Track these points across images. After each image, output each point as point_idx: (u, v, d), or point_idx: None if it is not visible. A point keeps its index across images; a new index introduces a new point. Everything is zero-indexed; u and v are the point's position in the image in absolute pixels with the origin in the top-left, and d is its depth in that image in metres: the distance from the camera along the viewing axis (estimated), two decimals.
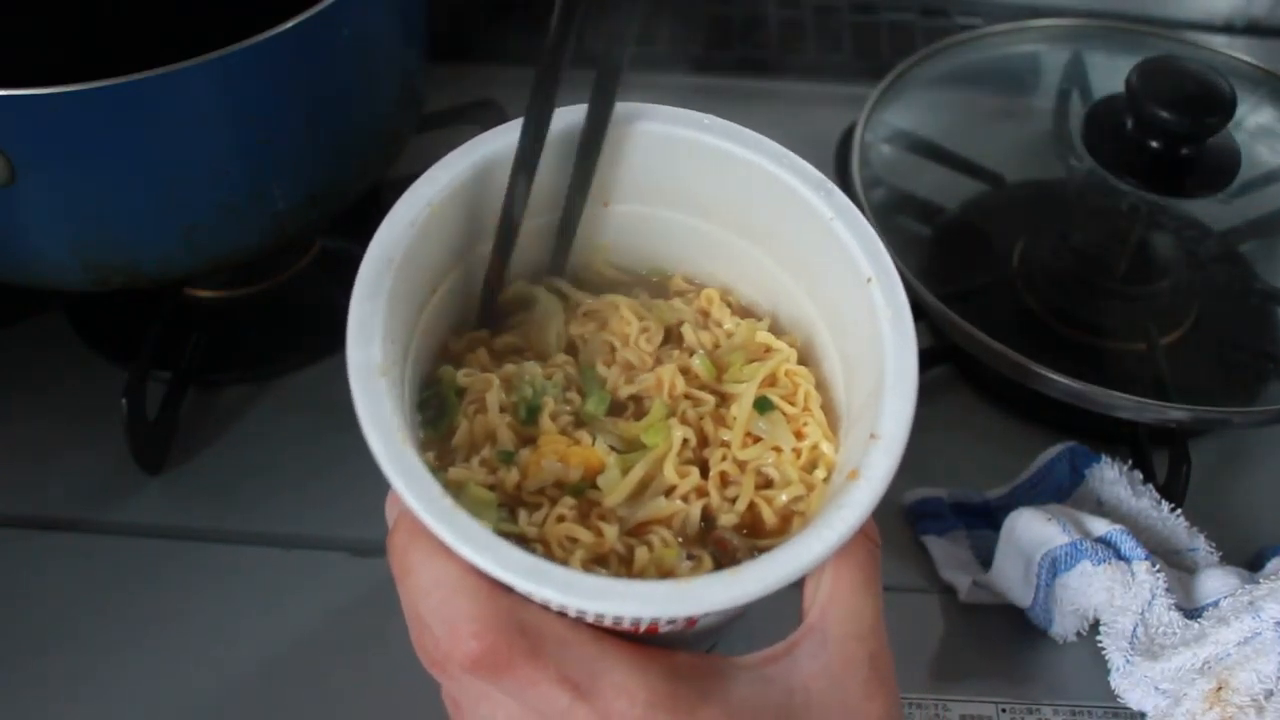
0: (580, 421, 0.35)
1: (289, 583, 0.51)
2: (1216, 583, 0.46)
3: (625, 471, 0.34)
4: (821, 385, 0.37)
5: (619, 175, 0.38)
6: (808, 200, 0.35)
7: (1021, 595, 0.48)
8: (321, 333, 0.59)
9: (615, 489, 0.33)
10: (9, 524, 0.53)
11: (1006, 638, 0.50)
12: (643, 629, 0.31)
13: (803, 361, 0.37)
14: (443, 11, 0.63)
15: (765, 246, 0.38)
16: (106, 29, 0.65)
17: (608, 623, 0.31)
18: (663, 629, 0.32)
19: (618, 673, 0.30)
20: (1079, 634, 0.48)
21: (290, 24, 0.46)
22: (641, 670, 0.30)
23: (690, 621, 0.32)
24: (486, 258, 0.38)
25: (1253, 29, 0.81)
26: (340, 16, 0.48)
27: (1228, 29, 0.81)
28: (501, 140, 0.36)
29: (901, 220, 0.64)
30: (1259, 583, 0.44)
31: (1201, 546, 0.49)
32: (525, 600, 0.31)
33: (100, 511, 0.53)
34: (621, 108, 0.36)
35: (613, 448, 0.35)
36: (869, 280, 0.33)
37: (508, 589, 0.31)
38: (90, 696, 0.47)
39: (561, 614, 0.31)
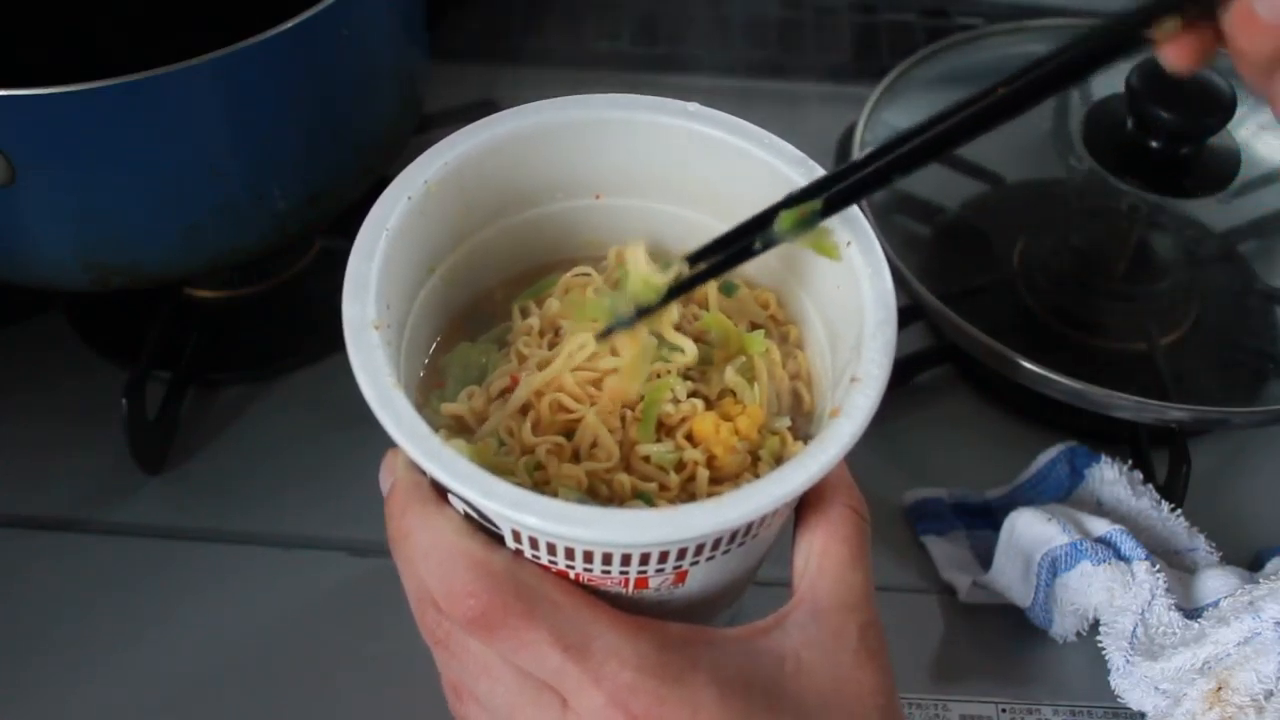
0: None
1: (289, 583, 0.51)
2: (1216, 583, 0.46)
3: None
4: (809, 360, 0.37)
5: (609, 167, 0.38)
6: (788, 177, 0.36)
7: (1021, 595, 0.48)
8: (321, 333, 0.59)
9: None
10: (9, 524, 0.53)
11: (1006, 638, 0.50)
12: (632, 579, 0.32)
13: (793, 342, 0.38)
14: (443, 11, 0.63)
15: (789, 264, 0.38)
16: (106, 29, 0.65)
17: (597, 574, 0.31)
18: (652, 580, 0.32)
19: (610, 637, 0.30)
20: (1079, 634, 0.48)
21: (290, 24, 0.46)
22: (633, 636, 0.30)
23: (679, 575, 0.32)
24: (482, 250, 0.38)
25: None
26: (340, 16, 0.48)
27: None
28: (494, 130, 0.36)
29: (901, 220, 0.64)
30: (1259, 583, 0.44)
31: (1201, 546, 0.49)
32: (521, 561, 0.31)
33: (100, 511, 0.53)
34: (606, 99, 0.37)
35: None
36: (848, 244, 0.34)
37: (504, 550, 0.31)
38: (90, 696, 0.47)
39: (557, 576, 0.31)
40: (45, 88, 0.43)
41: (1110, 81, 0.60)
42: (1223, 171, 0.56)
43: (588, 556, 0.31)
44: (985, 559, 0.51)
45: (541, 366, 0.35)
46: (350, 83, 0.52)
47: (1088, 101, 0.66)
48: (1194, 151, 0.56)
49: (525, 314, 0.37)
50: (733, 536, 0.31)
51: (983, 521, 0.54)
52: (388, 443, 0.37)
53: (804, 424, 0.36)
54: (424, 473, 0.33)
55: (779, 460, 0.34)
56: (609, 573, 0.31)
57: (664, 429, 0.34)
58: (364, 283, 0.32)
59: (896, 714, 0.33)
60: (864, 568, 0.33)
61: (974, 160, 0.66)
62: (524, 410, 0.34)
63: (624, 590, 0.32)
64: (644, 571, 0.31)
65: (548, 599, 0.31)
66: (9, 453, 0.56)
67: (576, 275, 0.38)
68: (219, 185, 0.49)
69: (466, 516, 0.32)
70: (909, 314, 0.58)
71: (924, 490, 0.55)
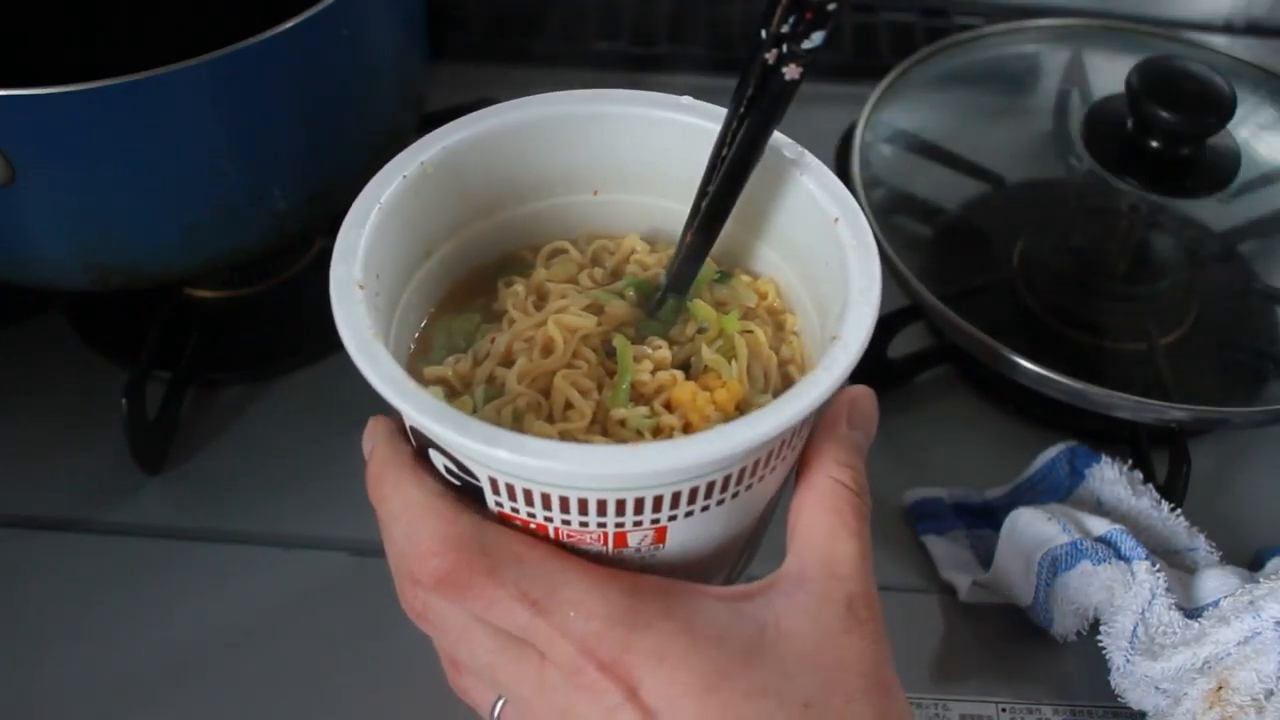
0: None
1: (289, 583, 0.51)
2: (1216, 583, 0.46)
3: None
4: (804, 345, 0.38)
5: (605, 162, 0.39)
6: (781, 166, 0.36)
7: (1022, 595, 0.48)
8: (321, 333, 0.58)
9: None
10: (9, 524, 0.53)
11: (1006, 638, 0.50)
12: (610, 533, 0.32)
13: (789, 329, 0.38)
14: (443, 11, 0.63)
15: (745, 221, 0.39)
16: (106, 29, 0.65)
17: (575, 527, 0.32)
18: (631, 537, 0.32)
19: (576, 588, 0.30)
20: (1079, 633, 0.48)
21: (290, 24, 0.46)
22: (600, 585, 0.31)
23: (659, 534, 0.32)
24: (479, 241, 0.39)
25: (1253, 29, 0.81)
26: (340, 16, 0.48)
27: (1228, 29, 0.81)
28: (492, 120, 0.37)
29: (901, 220, 0.64)
30: (1259, 582, 0.44)
31: (1201, 546, 0.49)
32: (489, 522, 0.32)
33: (100, 511, 0.53)
34: (600, 94, 0.37)
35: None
36: (836, 220, 0.35)
37: (472, 513, 0.32)
38: (90, 696, 0.47)
39: (529, 534, 0.32)
40: (45, 88, 0.43)
41: (1110, 81, 0.60)
42: (1223, 171, 0.56)
43: (564, 504, 0.31)
44: (985, 559, 0.51)
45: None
46: (350, 83, 0.52)
47: (1088, 101, 0.66)
48: (1194, 151, 0.56)
49: (509, 284, 0.38)
50: (709, 489, 0.31)
51: (983, 521, 0.54)
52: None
53: None
54: (404, 440, 0.34)
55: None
56: (586, 525, 0.31)
57: (641, 399, 0.35)
58: (352, 247, 0.33)
59: (885, 681, 0.32)
60: (856, 539, 0.33)
61: (974, 160, 0.66)
62: (508, 363, 0.35)
63: (604, 549, 0.33)
64: (621, 524, 0.31)
65: (512, 555, 0.31)
66: (9, 453, 0.56)
67: (554, 248, 0.39)
68: (219, 185, 0.49)
69: (447, 473, 0.32)
70: (909, 314, 0.58)
71: (924, 490, 0.55)
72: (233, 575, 0.51)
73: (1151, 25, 0.71)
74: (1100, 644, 0.46)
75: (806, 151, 0.36)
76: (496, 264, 0.40)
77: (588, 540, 0.32)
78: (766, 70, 0.31)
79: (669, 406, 0.34)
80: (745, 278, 0.39)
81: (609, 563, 0.33)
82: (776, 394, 0.35)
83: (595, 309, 0.36)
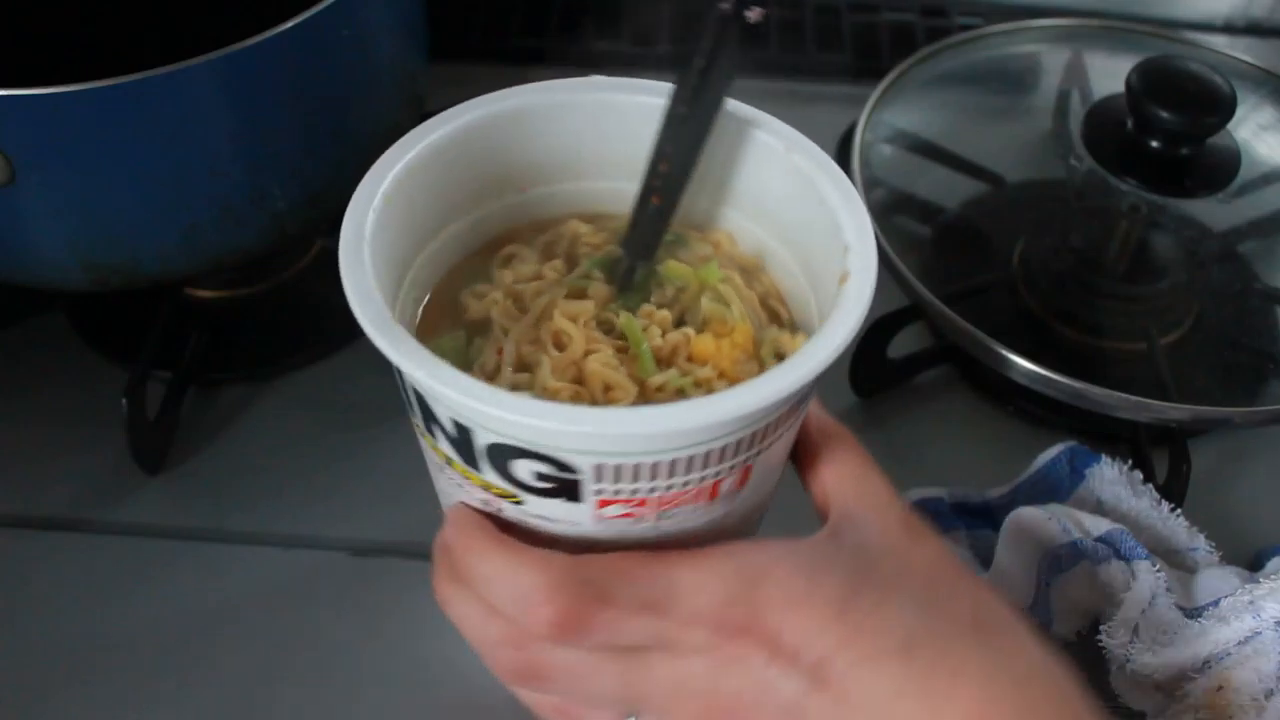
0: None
1: (289, 583, 0.51)
2: (1216, 582, 0.46)
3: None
4: (775, 280, 0.38)
5: (595, 149, 0.39)
6: (766, 143, 0.37)
7: (1022, 595, 0.48)
8: (321, 333, 0.59)
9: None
10: (9, 524, 0.53)
11: None
12: (709, 484, 0.32)
13: (753, 269, 0.39)
14: (443, 11, 0.63)
15: (737, 205, 0.39)
16: (106, 29, 0.65)
17: (676, 490, 0.32)
18: (723, 484, 0.33)
19: (686, 578, 0.31)
20: (1079, 633, 0.48)
21: (290, 24, 0.46)
22: (704, 565, 0.31)
23: (744, 474, 0.33)
24: (492, 217, 0.39)
25: (1253, 29, 0.81)
26: (340, 16, 0.49)
27: (1228, 29, 0.81)
28: (503, 103, 0.37)
29: (901, 220, 0.64)
30: (1259, 582, 0.44)
31: (1201, 546, 0.49)
32: (576, 557, 0.32)
33: (100, 511, 0.54)
34: (587, 82, 0.38)
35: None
36: (787, 151, 0.36)
37: (558, 552, 0.32)
38: (90, 695, 0.47)
39: (611, 551, 0.32)
40: (45, 88, 0.43)
41: (1110, 81, 0.60)
42: (1223, 171, 0.56)
43: (671, 468, 0.31)
44: (985, 559, 0.51)
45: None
46: (350, 83, 0.52)
47: (1088, 101, 0.66)
48: (1194, 151, 0.56)
49: (480, 296, 0.37)
50: (776, 425, 0.32)
51: (983, 521, 0.54)
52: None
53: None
54: (478, 518, 0.34)
55: (780, 355, 0.35)
56: (688, 484, 0.32)
57: (661, 363, 0.35)
58: (363, 206, 0.33)
59: (967, 570, 0.34)
60: (878, 475, 0.35)
61: (974, 160, 0.66)
62: (523, 369, 0.35)
63: (697, 505, 0.33)
64: (719, 472, 0.32)
65: (614, 573, 0.31)
66: (9, 453, 0.56)
67: (507, 251, 0.39)
68: (219, 185, 0.49)
69: (536, 479, 0.32)
70: (909, 314, 0.58)
71: (924, 490, 0.54)
72: (233, 575, 0.51)
73: (1151, 25, 0.71)
74: (1100, 644, 0.46)
75: (795, 130, 0.37)
76: (465, 273, 0.39)
77: (685, 499, 0.32)
78: (725, 19, 0.32)
79: (692, 361, 0.35)
80: (695, 233, 0.39)
81: (696, 524, 0.33)
82: (767, 329, 0.36)
83: (579, 295, 0.36)
